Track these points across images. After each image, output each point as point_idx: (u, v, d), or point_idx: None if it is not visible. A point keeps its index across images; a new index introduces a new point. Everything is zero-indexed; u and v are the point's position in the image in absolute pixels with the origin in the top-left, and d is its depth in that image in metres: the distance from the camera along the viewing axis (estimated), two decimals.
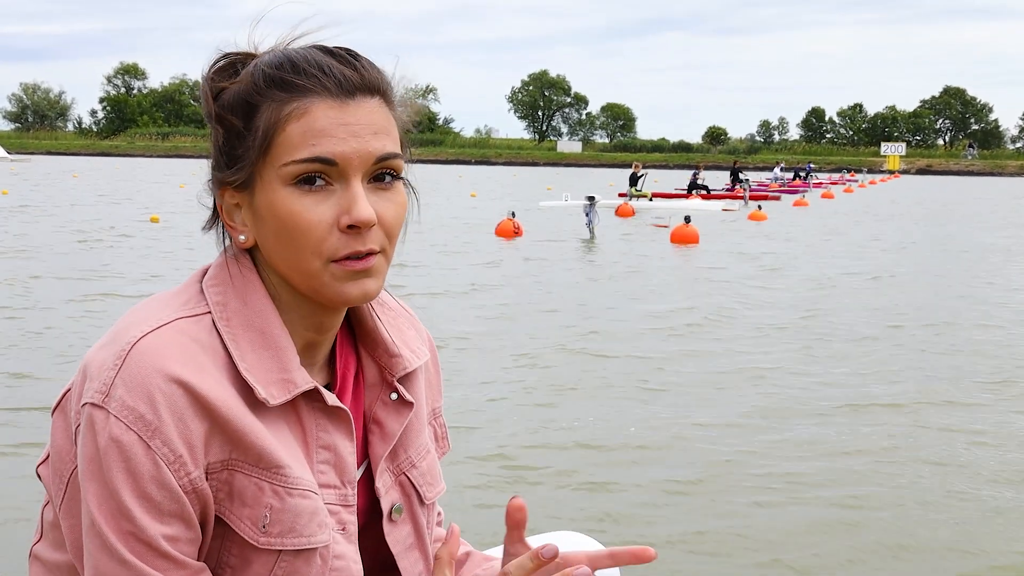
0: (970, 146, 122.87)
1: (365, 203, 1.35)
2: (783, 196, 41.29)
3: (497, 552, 1.82)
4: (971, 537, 4.55)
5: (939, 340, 9.47)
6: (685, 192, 37.96)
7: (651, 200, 33.95)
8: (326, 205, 1.35)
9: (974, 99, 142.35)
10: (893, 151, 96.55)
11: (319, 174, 1.34)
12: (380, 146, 1.36)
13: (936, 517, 4.78)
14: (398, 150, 1.40)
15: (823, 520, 4.74)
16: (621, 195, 35.80)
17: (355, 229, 1.35)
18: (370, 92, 1.37)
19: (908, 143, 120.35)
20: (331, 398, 1.44)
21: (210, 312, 1.39)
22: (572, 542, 1.84)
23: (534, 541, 1.85)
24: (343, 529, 1.44)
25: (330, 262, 1.36)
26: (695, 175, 38.93)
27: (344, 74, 1.36)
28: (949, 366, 8.29)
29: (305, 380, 1.40)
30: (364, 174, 1.36)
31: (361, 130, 1.35)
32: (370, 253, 1.37)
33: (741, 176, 40.54)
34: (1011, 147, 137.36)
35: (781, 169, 57.86)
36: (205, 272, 1.46)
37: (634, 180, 34.85)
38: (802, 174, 55.13)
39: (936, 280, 14.34)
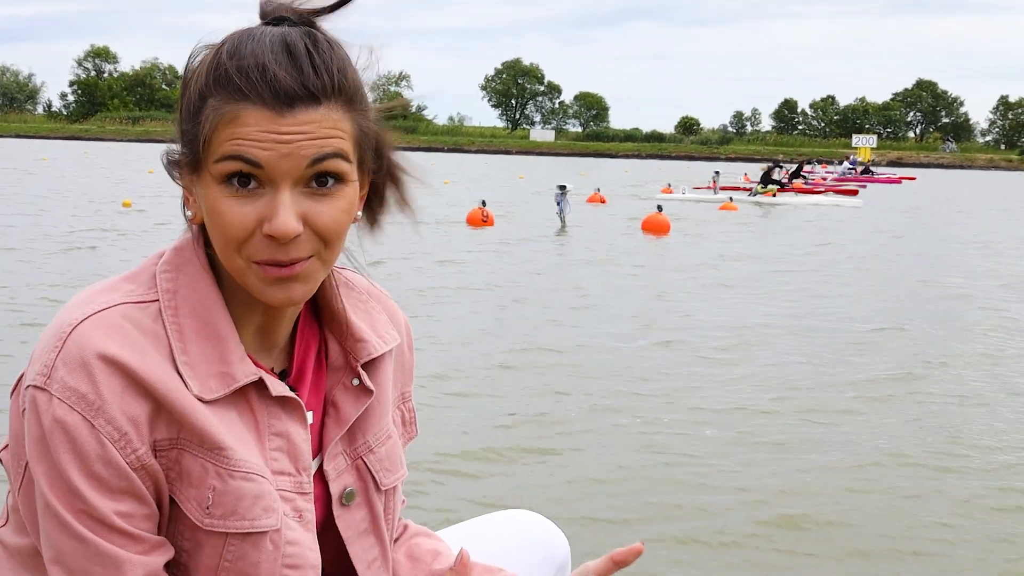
0: (947, 140, 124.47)
1: (287, 214, 1.30)
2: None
3: (450, 533, 1.84)
4: None
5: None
6: (788, 185, 35.45)
7: (775, 196, 32.44)
8: (251, 207, 1.31)
9: (945, 92, 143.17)
10: (864, 143, 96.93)
11: (250, 175, 1.31)
12: (314, 150, 1.31)
13: None
14: (340, 151, 1.33)
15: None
16: (738, 189, 34.55)
17: (275, 238, 1.32)
18: (315, 100, 1.30)
19: (879, 135, 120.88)
20: (277, 388, 1.42)
21: (158, 300, 1.38)
22: (525, 520, 1.87)
23: (489, 519, 1.89)
24: (299, 516, 1.43)
25: (252, 262, 1.34)
26: (770, 169, 35.96)
27: (286, 81, 1.29)
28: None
29: (246, 373, 1.39)
30: (296, 180, 1.31)
31: (295, 139, 1.29)
32: (294, 262, 1.34)
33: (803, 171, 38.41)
34: (981, 140, 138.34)
35: (852, 163, 56.51)
36: (162, 255, 1.44)
37: (767, 178, 33.67)
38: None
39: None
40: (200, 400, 1.35)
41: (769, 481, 5.14)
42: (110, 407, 1.29)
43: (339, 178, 1.34)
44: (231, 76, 1.30)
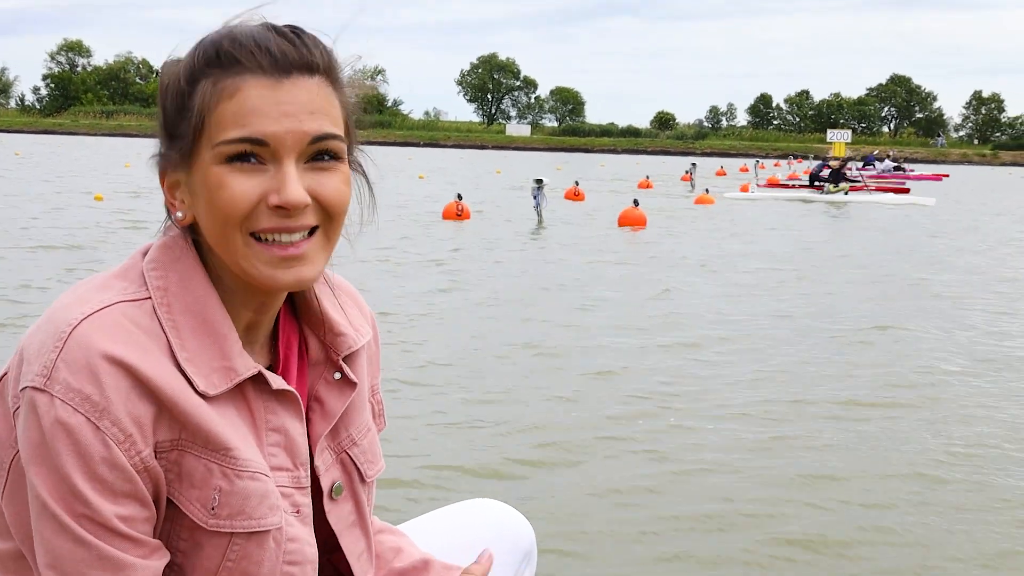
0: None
1: (296, 184, 1.33)
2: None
3: (417, 523, 1.87)
4: None
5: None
6: (858, 183, 33.72)
7: (847, 195, 31.42)
8: (255, 181, 1.33)
9: (919, 87, 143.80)
10: (839, 138, 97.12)
11: (252, 153, 1.32)
12: (316, 127, 1.34)
13: None
14: (337, 131, 1.37)
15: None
16: (815, 187, 32.80)
17: (283, 210, 1.33)
18: (309, 70, 1.34)
19: (853, 130, 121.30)
20: (277, 382, 1.43)
21: (151, 297, 1.37)
22: (490, 509, 1.90)
23: (454, 509, 1.91)
24: (297, 511, 1.44)
25: (252, 237, 1.34)
26: (843, 164, 33.80)
27: (281, 50, 1.33)
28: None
29: (247, 367, 1.39)
30: (299, 155, 1.34)
31: (295, 110, 1.32)
32: (306, 234, 1.36)
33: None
34: (954, 135, 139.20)
35: (891, 159, 54.76)
36: (146, 252, 1.44)
37: (837, 176, 32.14)
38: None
39: None
40: (204, 396, 1.34)
41: (772, 488, 5.03)
42: (116, 408, 1.28)
43: (335, 156, 1.38)
44: (227, 51, 1.34)
